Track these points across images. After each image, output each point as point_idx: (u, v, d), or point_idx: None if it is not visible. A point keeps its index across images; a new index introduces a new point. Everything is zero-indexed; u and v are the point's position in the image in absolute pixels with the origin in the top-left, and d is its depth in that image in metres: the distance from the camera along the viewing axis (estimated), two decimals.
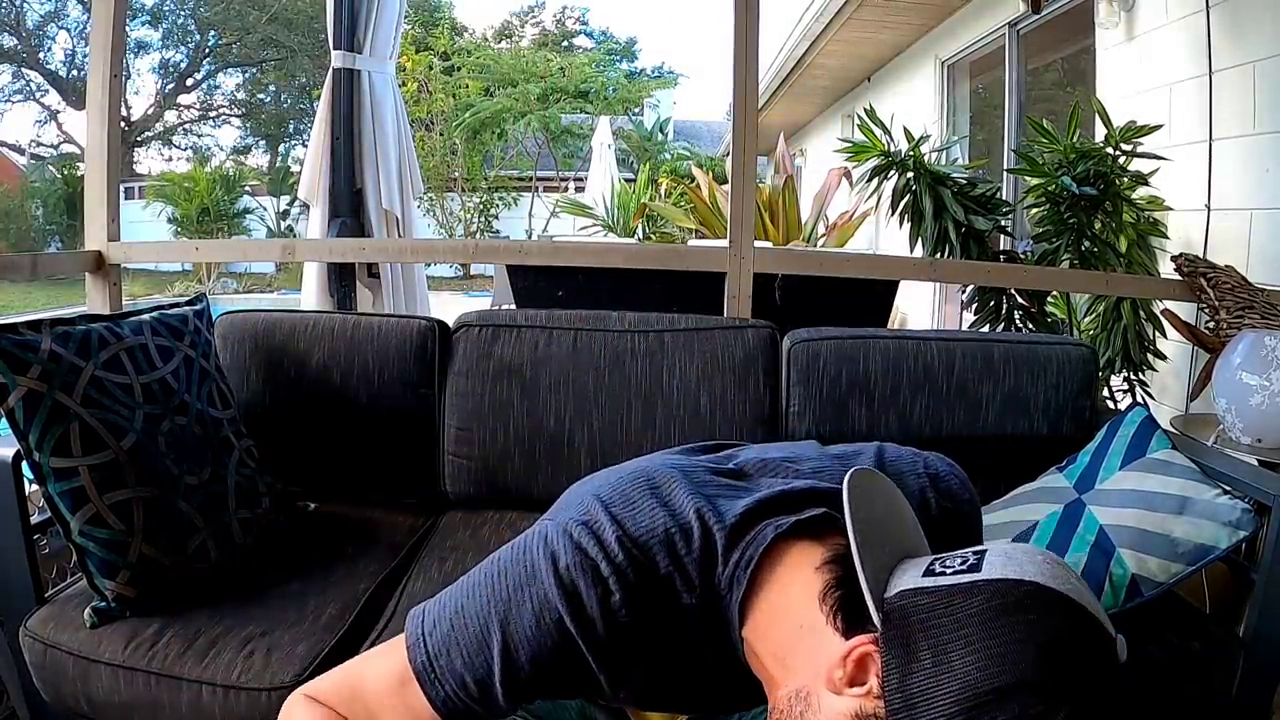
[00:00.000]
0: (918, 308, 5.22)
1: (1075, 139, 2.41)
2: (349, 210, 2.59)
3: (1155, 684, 1.11)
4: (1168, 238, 2.54)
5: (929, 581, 0.56)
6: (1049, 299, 2.52)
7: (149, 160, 17.88)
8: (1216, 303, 1.82)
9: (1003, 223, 2.64)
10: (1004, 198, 2.95)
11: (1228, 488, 1.19)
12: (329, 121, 2.57)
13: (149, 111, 16.85)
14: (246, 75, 17.27)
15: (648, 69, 20.30)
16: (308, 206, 2.69)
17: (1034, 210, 2.50)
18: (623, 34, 23.17)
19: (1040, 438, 1.51)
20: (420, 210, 11.86)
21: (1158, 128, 2.34)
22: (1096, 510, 1.22)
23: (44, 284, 11.42)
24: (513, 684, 0.63)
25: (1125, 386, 2.41)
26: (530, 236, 12.94)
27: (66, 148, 15.62)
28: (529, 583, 0.63)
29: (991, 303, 2.51)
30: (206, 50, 16.62)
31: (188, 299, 1.48)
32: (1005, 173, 3.92)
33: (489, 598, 0.64)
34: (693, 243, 5.18)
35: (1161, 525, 1.16)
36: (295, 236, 11.86)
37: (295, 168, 14.86)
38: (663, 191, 8.84)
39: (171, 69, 16.60)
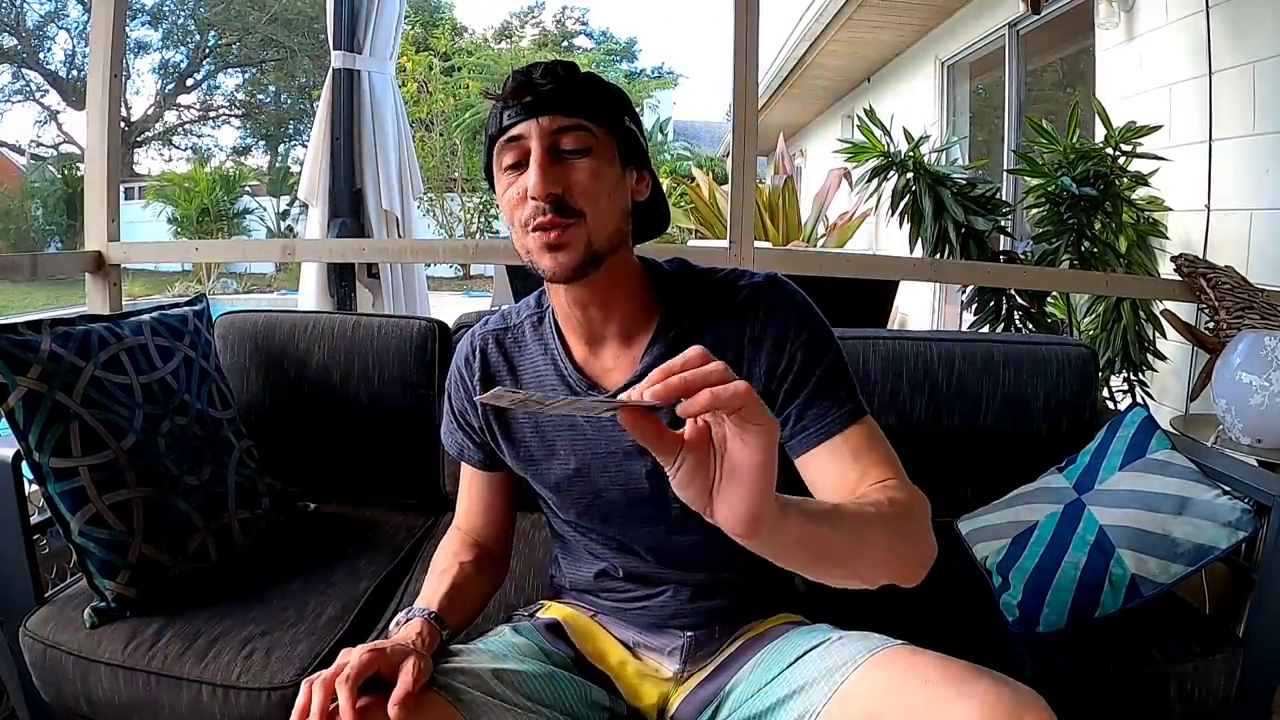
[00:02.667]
0: (918, 308, 5.22)
1: (1075, 139, 2.41)
2: (349, 210, 2.60)
3: (1155, 684, 1.11)
4: (1168, 238, 2.54)
5: None
6: (1049, 299, 2.52)
7: (149, 160, 17.91)
8: (1216, 303, 1.82)
9: (1002, 223, 2.64)
10: (1004, 198, 2.96)
11: (1227, 488, 1.19)
12: (329, 121, 2.57)
13: (149, 111, 16.87)
14: (246, 75, 17.28)
15: (647, 69, 20.32)
16: (308, 206, 2.69)
17: (1034, 210, 2.50)
18: (623, 34, 23.15)
19: (1040, 438, 1.51)
20: (420, 210, 11.85)
21: (1157, 128, 2.34)
22: (1096, 510, 1.22)
23: (44, 284, 11.43)
24: (449, 425, 1.00)
25: (1125, 387, 2.41)
26: None
27: (66, 148, 15.63)
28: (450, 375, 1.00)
29: (991, 303, 2.51)
30: (206, 50, 16.62)
31: (188, 299, 1.48)
32: (1005, 173, 3.92)
33: None
34: (693, 243, 5.18)
35: (1161, 525, 1.16)
36: (295, 236, 11.86)
37: (295, 168, 14.87)
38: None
39: (171, 69, 16.62)
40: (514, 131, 0.80)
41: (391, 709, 0.69)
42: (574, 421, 0.89)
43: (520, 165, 0.80)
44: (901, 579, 0.69)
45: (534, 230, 0.79)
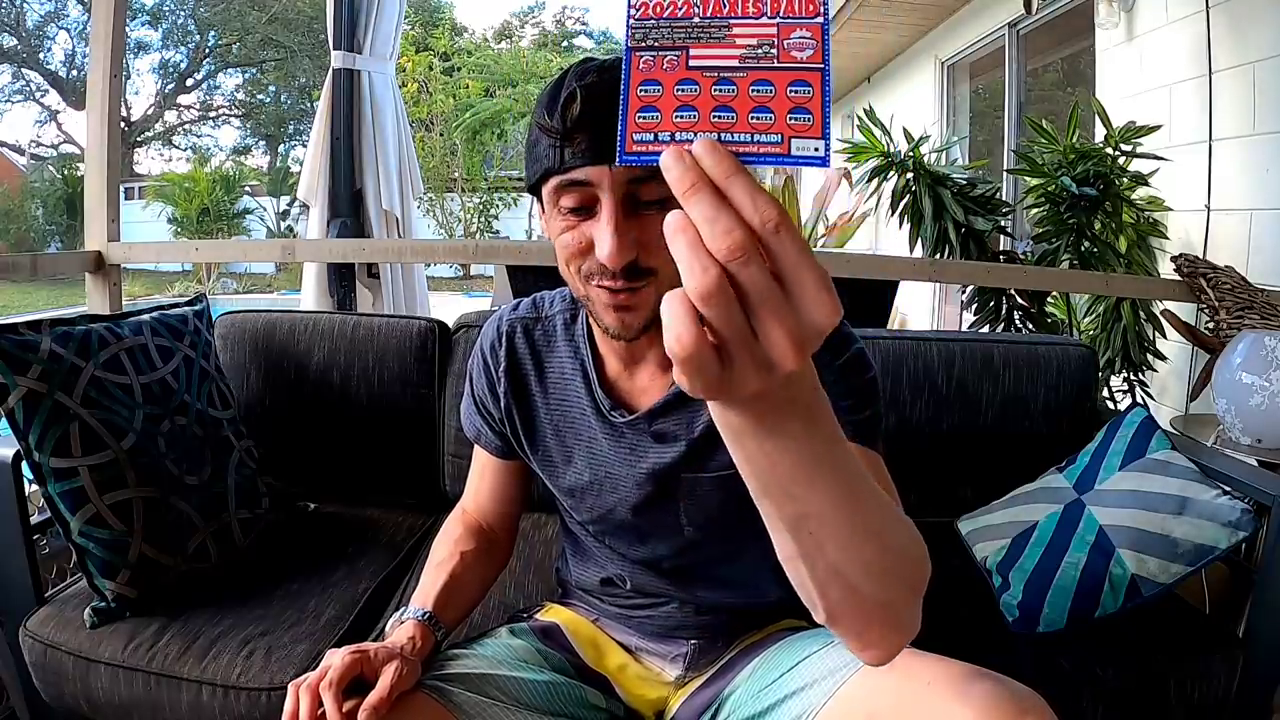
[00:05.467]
0: (918, 308, 5.22)
1: (1075, 139, 2.41)
2: (349, 210, 2.60)
3: (1155, 684, 1.11)
4: (1168, 238, 2.54)
5: None
6: (1049, 299, 2.52)
7: (149, 160, 17.93)
8: (1216, 303, 1.82)
9: (1002, 223, 2.64)
10: (1004, 198, 2.96)
11: (1227, 488, 1.19)
12: (329, 121, 2.57)
13: (149, 111, 16.89)
14: (246, 75, 17.29)
15: None
16: (308, 206, 2.69)
17: (1034, 210, 2.50)
18: (622, 34, 23.18)
19: (1040, 438, 1.51)
20: (420, 210, 11.86)
21: (1157, 128, 2.34)
22: (1096, 510, 1.23)
23: (44, 284, 11.44)
24: (469, 407, 0.98)
25: (1125, 387, 2.41)
26: (530, 237, 12.94)
27: (66, 148, 15.64)
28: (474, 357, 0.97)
29: (991, 303, 2.51)
30: (206, 50, 16.63)
31: (188, 299, 1.48)
32: (1005, 173, 3.92)
33: None
34: None
35: (1161, 526, 1.16)
36: (295, 236, 11.86)
37: (295, 168, 14.88)
38: None
39: (171, 69, 16.63)
40: (579, 176, 0.68)
41: (363, 714, 0.69)
42: (594, 434, 0.88)
43: (583, 211, 0.70)
44: (873, 623, 0.54)
45: (598, 287, 0.73)
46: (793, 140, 0.40)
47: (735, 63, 0.41)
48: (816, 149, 0.40)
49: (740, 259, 0.37)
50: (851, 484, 0.47)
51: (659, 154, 0.40)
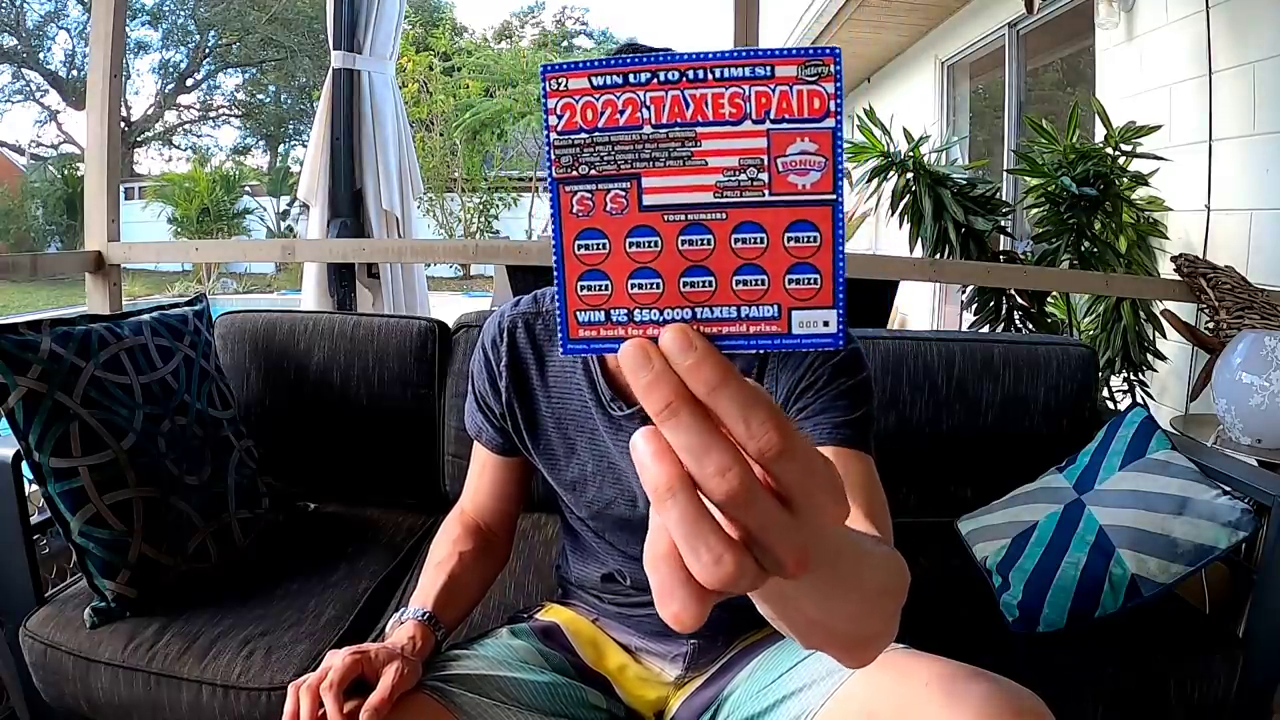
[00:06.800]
0: (918, 308, 5.22)
1: (1075, 139, 2.41)
2: (349, 210, 2.60)
3: (1155, 684, 1.11)
4: (1168, 238, 2.54)
5: None
6: (1049, 299, 2.53)
7: (149, 160, 17.93)
8: (1216, 303, 1.82)
9: (1002, 223, 2.64)
10: (1004, 198, 2.96)
11: (1227, 488, 1.19)
12: (329, 122, 2.57)
13: (149, 111, 16.87)
14: (246, 75, 17.28)
15: None
16: (308, 206, 2.69)
17: (1034, 210, 2.50)
18: (623, 34, 23.20)
19: (1040, 438, 1.51)
20: (420, 210, 11.86)
21: (1157, 128, 2.35)
22: (1096, 510, 1.23)
23: (44, 284, 11.44)
24: (471, 404, 0.97)
25: (1125, 386, 2.41)
26: (530, 237, 12.94)
27: (66, 148, 15.63)
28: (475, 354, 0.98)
29: (991, 303, 2.51)
30: (206, 50, 16.62)
31: (188, 299, 1.48)
32: (1005, 173, 3.92)
33: None
34: None
35: (1161, 526, 1.16)
36: (295, 236, 11.86)
37: (295, 168, 14.86)
38: None
39: (171, 69, 16.61)
40: None
41: (364, 715, 0.69)
42: (595, 427, 0.88)
43: None
44: (853, 651, 0.49)
45: None
46: (794, 313, 0.30)
47: (709, 196, 0.30)
48: (826, 323, 0.30)
49: (740, 503, 0.29)
50: (846, 569, 0.38)
51: (616, 342, 0.30)
